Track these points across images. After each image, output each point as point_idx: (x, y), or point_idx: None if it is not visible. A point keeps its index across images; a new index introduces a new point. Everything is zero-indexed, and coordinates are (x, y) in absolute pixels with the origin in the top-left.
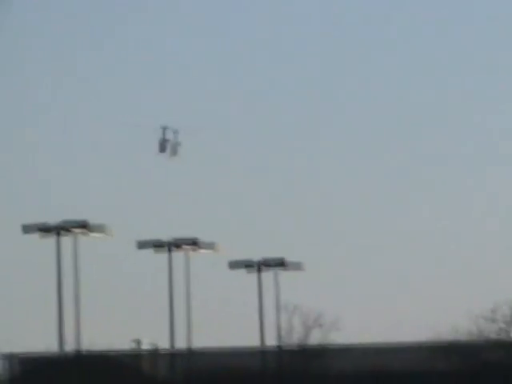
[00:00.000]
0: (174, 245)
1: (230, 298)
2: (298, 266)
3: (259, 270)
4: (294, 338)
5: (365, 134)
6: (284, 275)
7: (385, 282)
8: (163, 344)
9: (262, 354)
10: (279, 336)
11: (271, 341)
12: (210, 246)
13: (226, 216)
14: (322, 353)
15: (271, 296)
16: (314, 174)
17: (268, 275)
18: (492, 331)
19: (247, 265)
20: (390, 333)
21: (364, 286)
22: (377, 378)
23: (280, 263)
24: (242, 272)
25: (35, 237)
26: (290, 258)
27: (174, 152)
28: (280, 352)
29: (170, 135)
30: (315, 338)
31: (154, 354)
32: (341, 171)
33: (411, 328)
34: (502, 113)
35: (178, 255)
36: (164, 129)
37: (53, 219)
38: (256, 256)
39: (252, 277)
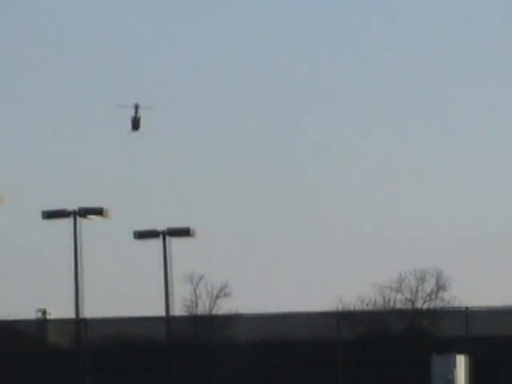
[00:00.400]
0: (79, 214)
1: (136, 268)
2: (199, 235)
3: (164, 239)
4: (199, 308)
5: None
6: (189, 244)
7: (287, 251)
8: (69, 314)
9: (166, 322)
10: (184, 306)
11: (178, 311)
12: (108, 213)
13: (133, 184)
14: (228, 322)
15: (177, 266)
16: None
17: (175, 244)
18: (397, 301)
19: (152, 234)
20: (294, 302)
21: (268, 254)
22: (280, 346)
23: (185, 232)
24: (148, 241)
25: None
26: (195, 226)
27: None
28: (183, 321)
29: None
30: (221, 308)
31: (59, 322)
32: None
33: (316, 297)
34: None
35: (86, 223)
36: (136, 107)
37: None
38: (162, 225)
39: (158, 246)
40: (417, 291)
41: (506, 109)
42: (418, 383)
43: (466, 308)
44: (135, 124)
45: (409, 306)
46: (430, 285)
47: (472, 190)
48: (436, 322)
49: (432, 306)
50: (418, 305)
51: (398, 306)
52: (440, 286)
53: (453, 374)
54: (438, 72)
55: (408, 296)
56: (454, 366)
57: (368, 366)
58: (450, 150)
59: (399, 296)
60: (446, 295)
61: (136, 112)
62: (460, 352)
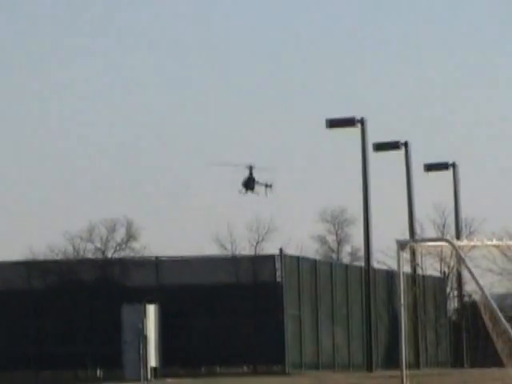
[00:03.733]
0: None
1: None
2: None
3: None
4: None
5: None
6: None
7: None
8: None
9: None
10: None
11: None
12: None
13: None
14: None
15: None
16: None
17: None
18: (88, 250)
19: None
20: None
21: None
22: None
23: None
24: None
25: None
26: None
27: None
28: None
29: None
30: None
31: None
32: None
33: (5, 246)
34: None
35: None
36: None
37: None
38: None
39: None
40: (107, 241)
41: None
42: (110, 333)
43: (156, 257)
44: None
45: (99, 255)
46: (120, 234)
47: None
48: (126, 272)
49: (122, 255)
50: (109, 254)
51: (89, 255)
52: (130, 236)
53: (142, 323)
54: None
55: (98, 246)
56: (144, 315)
57: (61, 315)
58: None
59: (90, 246)
60: (136, 245)
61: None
62: (150, 301)
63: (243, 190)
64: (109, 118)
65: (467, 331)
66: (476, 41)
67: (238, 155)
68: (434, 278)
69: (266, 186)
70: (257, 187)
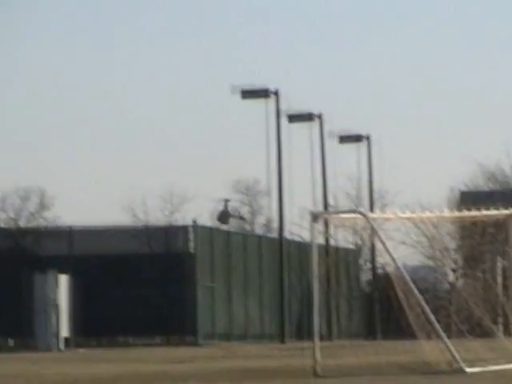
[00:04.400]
0: None
1: None
2: None
3: None
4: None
5: None
6: None
7: None
8: None
9: None
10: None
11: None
12: None
13: None
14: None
15: None
16: None
17: None
18: (0, 220)
19: None
20: None
21: None
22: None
23: None
24: None
25: None
26: None
27: None
28: None
29: None
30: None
31: None
32: None
33: None
34: None
35: None
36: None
37: None
38: None
39: None
40: (20, 210)
41: None
42: (22, 302)
43: (69, 227)
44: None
45: (12, 224)
46: (32, 204)
47: None
48: (39, 241)
49: (35, 225)
50: (22, 224)
51: (1, 224)
52: (43, 205)
53: (54, 293)
54: None
55: (11, 215)
56: (56, 285)
57: None
58: None
59: (2, 215)
60: (49, 214)
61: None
62: (63, 271)
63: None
64: None
65: (380, 303)
66: (385, 13)
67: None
68: (347, 250)
69: (241, 218)
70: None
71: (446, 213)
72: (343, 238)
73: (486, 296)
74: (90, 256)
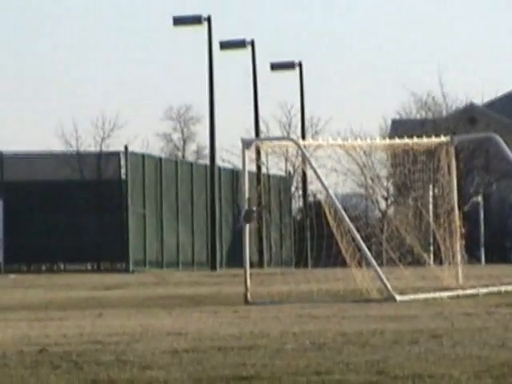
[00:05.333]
0: None
1: None
2: None
3: None
4: None
5: None
6: None
7: None
8: None
9: None
10: None
11: None
12: None
13: None
14: None
15: None
16: None
17: None
18: None
19: None
20: None
21: None
22: None
23: None
24: None
25: None
26: None
27: None
28: None
29: None
30: None
31: None
32: None
33: None
34: None
35: None
36: None
37: None
38: None
39: None
40: None
41: None
42: None
43: (1, 153)
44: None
45: None
46: None
47: None
48: None
49: None
50: None
51: None
52: None
53: None
54: None
55: None
56: None
57: None
58: None
59: None
60: None
61: None
62: None
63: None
64: None
65: (311, 231)
66: None
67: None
68: (278, 178)
69: (264, 207)
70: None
71: (378, 141)
72: (275, 166)
73: (417, 224)
74: (22, 182)
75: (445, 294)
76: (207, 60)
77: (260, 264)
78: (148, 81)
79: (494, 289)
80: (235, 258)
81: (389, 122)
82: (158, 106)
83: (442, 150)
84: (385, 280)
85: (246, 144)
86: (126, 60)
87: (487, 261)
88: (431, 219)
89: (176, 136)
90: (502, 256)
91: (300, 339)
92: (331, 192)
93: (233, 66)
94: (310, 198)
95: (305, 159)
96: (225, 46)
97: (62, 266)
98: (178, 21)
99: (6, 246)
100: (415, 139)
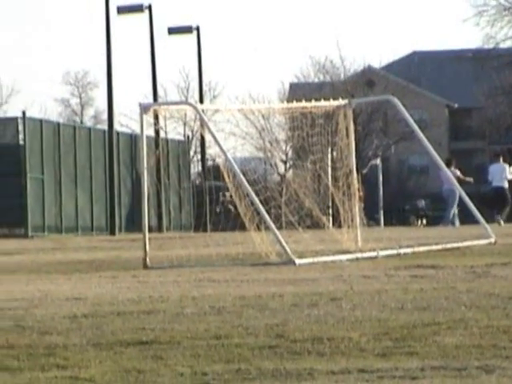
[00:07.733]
0: None
1: None
2: None
3: None
4: None
5: None
6: None
7: None
8: None
9: None
10: None
11: None
12: None
13: None
14: None
15: None
16: None
17: None
18: None
19: None
20: None
21: None
22: None
23: None
24: None
25: None
26: None
27: None
28: None
29: None
30: None
31: None
32: None
33: None
34: None
35: None
36: None
37: None
38: None
39: None
40: None
41: None
42: None
43: None
44: None
45: None
46: None
47: None
48: None
49: None
50: None
51: None
52: None
53: None
54: None
55: None
56: None
57: None
58: None
59: None
60: None
61: None
62: None
63: None
64: None
65: (210, 195)
66: None
67: None
68: (177, 142)
69: None
70: None
71: (276, 104)
72: (174, 130)
73: (315, 187)
74: None
75: (344, 257)
76: (104, 25)
77: (159, 228)
78: (45, 46)
79: (393, 251)
80: (134, 223)
81: (287, 86)
82: (55, 72)
83: (341, 113)
84: (284, 243)
85: (144, 108)
86: (22, 23)
87: (386, 223)
88: (330, 182)
89: (74, 101)
90: (400, 218)
91: (199, 303)
92: (229, 156)
93: (131, 31)
94: (209, 162)
95: (203, 123)
96: (122, 10)
97: None
98: None
99: None
100: (313, 102)
